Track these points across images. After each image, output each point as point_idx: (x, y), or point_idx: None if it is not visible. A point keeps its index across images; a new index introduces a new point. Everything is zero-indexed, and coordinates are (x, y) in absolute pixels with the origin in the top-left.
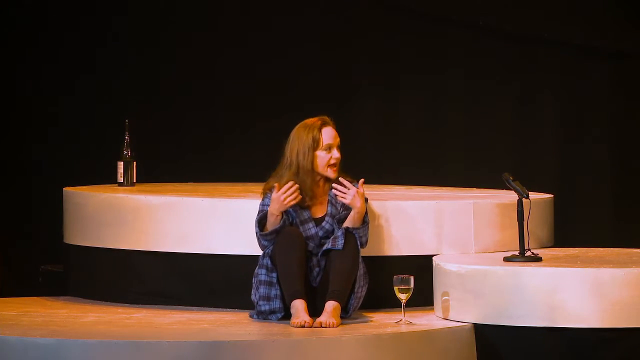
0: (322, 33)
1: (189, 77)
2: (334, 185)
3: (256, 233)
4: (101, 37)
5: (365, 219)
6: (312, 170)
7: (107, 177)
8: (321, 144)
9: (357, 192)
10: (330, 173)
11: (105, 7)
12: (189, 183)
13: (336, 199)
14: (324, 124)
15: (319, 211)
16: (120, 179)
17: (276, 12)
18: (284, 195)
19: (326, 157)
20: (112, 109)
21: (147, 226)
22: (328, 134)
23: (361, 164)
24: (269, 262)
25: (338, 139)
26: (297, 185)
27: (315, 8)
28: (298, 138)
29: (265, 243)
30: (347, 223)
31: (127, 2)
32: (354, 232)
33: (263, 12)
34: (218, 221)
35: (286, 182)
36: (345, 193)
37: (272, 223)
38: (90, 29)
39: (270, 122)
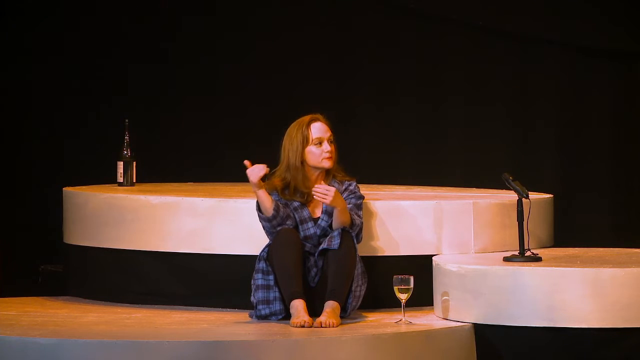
0: (322, 36)
1: (190, 77)
2: (313, 190)
3: (258, 216)
4: (103, 38)
5: (355, 222)
6: (303, 167)
7: (107, 177)
8: (310, 139)
9: (336, 191)
10: (326, 164)
11: (107, 8)
12: (189, 183)
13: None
14: (312, 120)
15: (319, 211)
16: (120, 179)
17: (278, 13)
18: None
19: (318, 151)
20: (112, 109)
21: (146, 226)
22: (317, 129)
23: (361, 164)
24: (264, 265)
25: (329, 133)
26: (263, 165)
27: (316, 12)
28: (289, 137)
29: (265, 226)
30: (336, 224)
31: (130, 4)
32: (350, 230)
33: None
34: (218, 221)
35: (278, 179)
36: (325, 195)
37: (261, 202)
38: (91, 29)
39: (270, 124)
